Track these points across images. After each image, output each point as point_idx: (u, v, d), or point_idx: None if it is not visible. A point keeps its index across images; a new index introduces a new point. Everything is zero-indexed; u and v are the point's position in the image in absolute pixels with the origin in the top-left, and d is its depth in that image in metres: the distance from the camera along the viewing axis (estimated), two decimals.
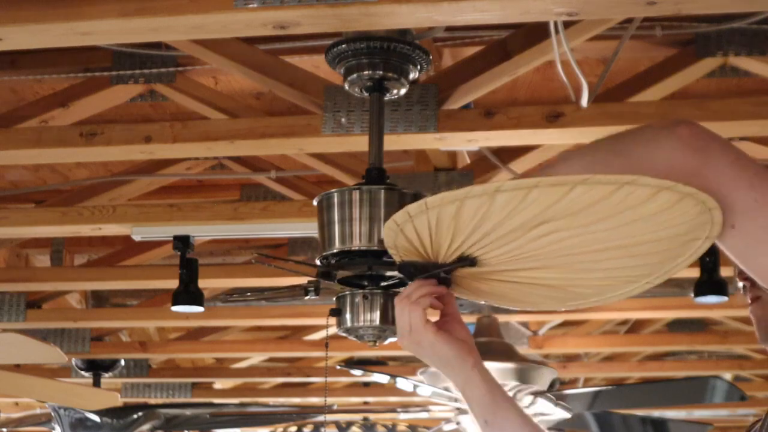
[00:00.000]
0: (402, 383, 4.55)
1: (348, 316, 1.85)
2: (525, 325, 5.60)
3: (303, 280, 1.88)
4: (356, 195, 1.84)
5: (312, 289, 1.85)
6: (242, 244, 5.35)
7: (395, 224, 1.50)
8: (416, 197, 1.84)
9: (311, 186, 3.98)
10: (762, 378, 7.08)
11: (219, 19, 1.95)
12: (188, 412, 5.83)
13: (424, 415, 5.65)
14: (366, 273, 1.83)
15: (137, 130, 2.84)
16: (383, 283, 1.84)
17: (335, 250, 1.83)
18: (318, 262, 1.88)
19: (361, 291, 1.83)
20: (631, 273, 1.54)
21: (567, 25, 2.41)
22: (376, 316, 1.83)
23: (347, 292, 1.85)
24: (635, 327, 6.21)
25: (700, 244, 1.43)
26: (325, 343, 1.97)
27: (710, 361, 6.75)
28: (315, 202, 1.88)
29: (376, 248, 1.80)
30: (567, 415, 4.78)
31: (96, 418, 5.54)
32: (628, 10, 2.03)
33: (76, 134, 2.86)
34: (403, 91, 2.26)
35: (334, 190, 1.86)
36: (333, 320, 1.86)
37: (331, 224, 1.84)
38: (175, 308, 3.48)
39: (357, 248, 1.81)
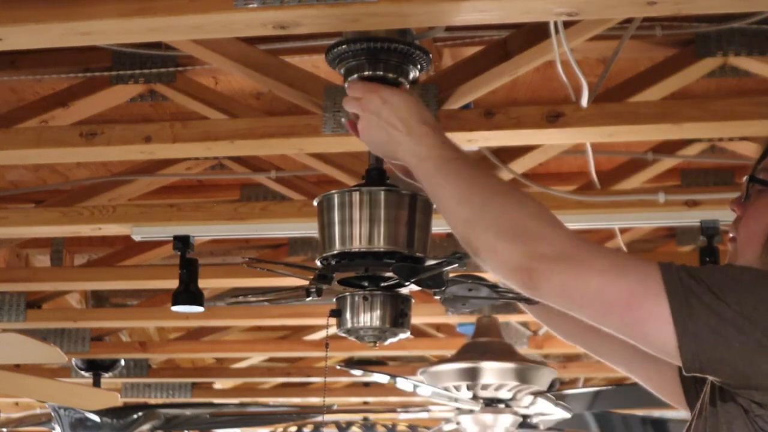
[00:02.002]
0: (402, 383, 4.54)
1: (348, 316, 1.84)
2: (525, 325, 5.59)
3: (305, 282, 1.88)
4: (356, 196, 1.83)
5: (314, 290, 1.84)
6: (242, 244, 5.35)
7: None
8: (415, 198, 1.84)
9: (311, 186, 3.97)
10: None
11: (219, 19, 1.94)
12: (188, 412, 5.83)
13: (424, 415, 5.65)
14: (365, 274, 1.83)
15: (137, 130, 2.84)
16: (383, 284, 1.83)
17: (335, 252, 1.82)
18: (318, 263, 1.87)
19: (361, 292, 1.83)
20: None
21: (567, 25, 2.41)
22: (376, 316, 1.82)
23: (347, 293, 1.84)
24: None
25: None
26: (325, 344, 1.97)
27: None
28: (315, 203, 1.88)
29: (376, 250, 1.80)
30: (567, 415, 4.78)
31: (96, 418, 5.54)
32: (628, 10, 2.02)
33: (76, 134, 2.85)
34: None
35: (334, 191, 1.85)
36: (333, 321, 1.85)
37: (331, 225, 1.83)
38: (175, 308, 3.48)
39: (357, 250, 1.80)
